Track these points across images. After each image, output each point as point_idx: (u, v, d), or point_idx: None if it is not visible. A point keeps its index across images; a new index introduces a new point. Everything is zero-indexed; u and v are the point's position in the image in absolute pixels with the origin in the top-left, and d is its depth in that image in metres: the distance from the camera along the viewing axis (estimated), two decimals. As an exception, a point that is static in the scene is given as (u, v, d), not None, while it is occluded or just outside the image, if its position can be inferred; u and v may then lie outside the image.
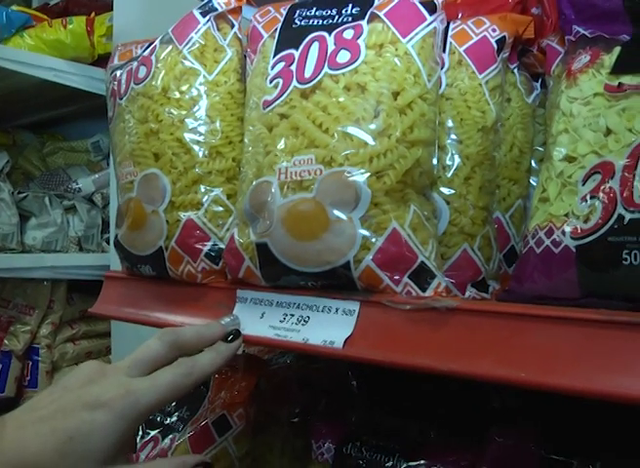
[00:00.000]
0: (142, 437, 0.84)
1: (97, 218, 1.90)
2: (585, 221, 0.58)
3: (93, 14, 1.73)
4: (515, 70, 0.80)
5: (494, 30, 0.73)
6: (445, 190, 0.68)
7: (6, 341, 1.74)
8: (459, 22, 0.75)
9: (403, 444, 0.71)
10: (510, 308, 0.52)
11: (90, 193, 1.92)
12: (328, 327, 0.60)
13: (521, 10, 0.80)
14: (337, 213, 0.59)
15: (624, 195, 0.56)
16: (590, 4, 0.70)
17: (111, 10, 1.78)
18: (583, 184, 0.59)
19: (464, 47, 0.72)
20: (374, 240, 0.58)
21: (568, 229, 0.58)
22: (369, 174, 0.59)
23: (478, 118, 0.70)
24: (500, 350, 0.51)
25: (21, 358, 1.76)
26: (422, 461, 0.68)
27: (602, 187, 0.58)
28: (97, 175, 1.93)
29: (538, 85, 0.83)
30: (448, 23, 0.74)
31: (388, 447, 0.71)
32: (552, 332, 0.50)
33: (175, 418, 0.85)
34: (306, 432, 0.83)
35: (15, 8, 1.81)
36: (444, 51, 0.72)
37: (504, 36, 0.74)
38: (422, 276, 0.59)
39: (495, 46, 0.73)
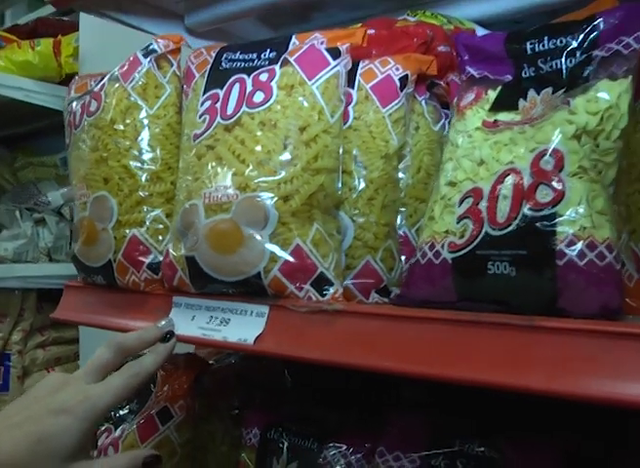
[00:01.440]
0: (98, 428, 0.95)
1: (65, 230, 2.00)
2: (460, 237, 0.69)
3: (59, 36, 1.82)
4: (423, 102, 0.91)
5: (397, 69, 0.84)
6: (350, 210, 0.79)
7: (-22, 348, 1.84)
8: (367, 62, 0.86)
9: (319, 429, 0.82)
10: (384, 310, 0.64)
11: (59, 206, 2.02)
12: (244, 327, 0.71)
13: (425, 49, 0.91)
14: (250, 231, 0.70)
15: (490, 216, 0.67)
16: (479, 48, 0.81)
17: (78, 30, 1.88)
18: (459, 206, 0.71)
19: (370, 84, 0.83)
20: (280, 254, 0.69)
21: (446, 244, 0.70)
22: (277, 198, 0.70)
23: (381, 147, 0.82)
24: (376, 345, 0.62)
25: (-7, 363, 1.86)
26: (332, 444, 0.79)
27: (473, 209, 0.69)
28: (65, 189, 2.02)
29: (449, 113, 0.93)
30: (358, 63, 0.85)
31: (306, 432, 0.83)
32: (416, 330, 0.61)
33: (126, 411, 0.95)
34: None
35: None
36: (353, 87, 0.83)
37: (407, 74, 0.85)
38: (322, 284, 0.70)
39: (397, 83, 0.84)
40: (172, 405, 0.90)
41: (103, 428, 0.96)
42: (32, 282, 1.89)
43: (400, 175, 0.87)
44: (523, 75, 0.76)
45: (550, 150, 0.66)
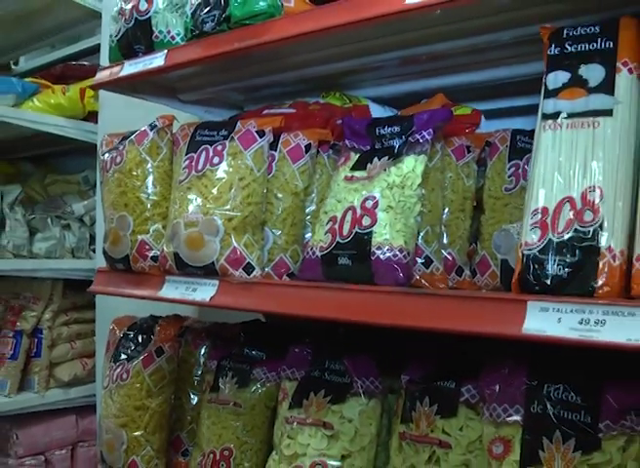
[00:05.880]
0: (116, 362, 1.48)
1: (85, 234, 2.55)
2: (324, 243, 1.23)
3: (86, 86, 2.36)
4: (325, 156, 1.45)
5: (303, 139, 1.38)
6: (271, 226, 1.33)
7: (18, 323, 2.38)
8: (286, 134, 1.39)
9: (250, 359, 1.37)
10: (277, 282, 1.18)
11: (81, 215, 2.58)
12: (204, 291, 1.25)
13: (325, 124, 1.44)
14: (208, 237, 1.24)
15: (339, 231, 1.21)
16: (353, 127, 1.35)
17: (98, 76, 2.42)
18: (326, 225, 1.25)
19: (287, 149, 1.37)
20: (225, 251, 1.24)
21: (318, 247, 1.23)
22: (224, 219, 1.24)
23: (292, 188, 1.35)
24: (275, 299, 1.16)
25: (30, 336, 2.40)
26: (258, 367, 1.33)
27: (332, 228, 1.23)
28: (86, 202, 2.58)
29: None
30: (280, 134, 1.39)
31: (243, 360, 1.37)
32: (294, 291, 1.15)
33: (135, 352, 1.49)
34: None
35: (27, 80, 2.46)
36: (276, 150, 1.37)
37: (310, 143, 1.38)
38: (249, 269, 1.24)
39: (303, 148, 1.38)
40: (164, 345, 1.44)
41: (119, 363, 1.50)
42: (60, 273, 2.44)
43: (308, 204, 1.41)
44: (375, 147, 1.29)
45: (371, 196, 1.19)
